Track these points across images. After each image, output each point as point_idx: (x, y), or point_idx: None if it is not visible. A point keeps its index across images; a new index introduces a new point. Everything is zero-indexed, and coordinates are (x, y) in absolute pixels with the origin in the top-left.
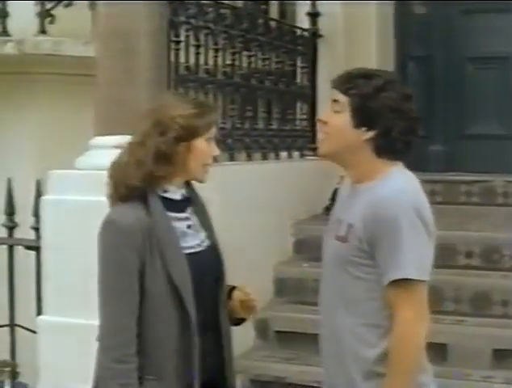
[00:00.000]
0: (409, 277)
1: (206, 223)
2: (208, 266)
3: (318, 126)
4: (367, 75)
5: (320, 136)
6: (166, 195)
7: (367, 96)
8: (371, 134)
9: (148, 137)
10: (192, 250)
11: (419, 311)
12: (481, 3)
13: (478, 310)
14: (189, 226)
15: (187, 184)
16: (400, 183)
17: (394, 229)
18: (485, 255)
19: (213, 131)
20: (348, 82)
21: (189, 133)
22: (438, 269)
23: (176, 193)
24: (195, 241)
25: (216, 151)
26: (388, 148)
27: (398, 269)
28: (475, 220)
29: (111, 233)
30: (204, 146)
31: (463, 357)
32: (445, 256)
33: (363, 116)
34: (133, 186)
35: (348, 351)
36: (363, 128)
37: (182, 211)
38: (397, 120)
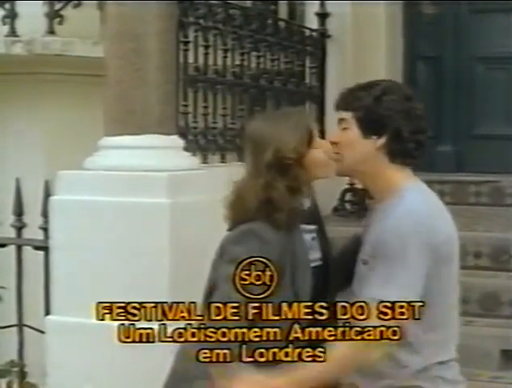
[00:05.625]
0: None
1: (325, 237)
2: (324, 283)
3: (329, 148)
4: (365, 87)
5: (333, 156)
6: None
7: (369, 105)
8: (382, 141)
9: (272, 178)
10: (314, 264)
11: None
12: (491, 3)
13: (487, 311)
14: (313, 238)
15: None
16: (410, 206)
17: (390, 253)
18: (494, 256)
19: (316, 135)
20: (348, 97)
21: (302, 159)
22: None
23: (305, 202)
24: (316, 254)
25: (325, 145)
26: (401, 150)
27: (382, 290)
28: (484, 220)
29: (251, 241)
30: (315, 154)
31: (472, 358)
32: None
33: (370, 125)
34: (283, 223)
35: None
36: (374, 137)
37: (309, 223)
38: (404, 120)
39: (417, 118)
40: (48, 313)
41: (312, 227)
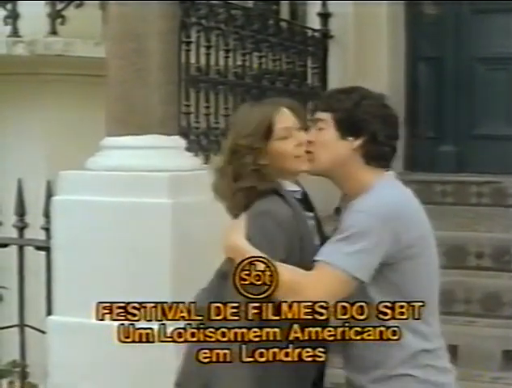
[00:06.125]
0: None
1: (320, 224)
2: None
3: (303, 142)
4: (345, 91)
5: (306, 155)
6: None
7: (349, 107)
8: (358, 142)
9: (226, 161)
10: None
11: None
12: (492, 3)
13: (488, 311)
14: (312, 225)
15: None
16: (378, 198)
17: (348, 229)
18: (496, 256)
19: (282, 128)
20: (328, 99)
21: (255, 148)
22: (448, 270)
23: (296, 190)
24: (316, 240)
25: (300, 137)
26: (377, 153)
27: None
28: (485, 221)
29: (268, 222)
30: (280, 146)
31: (474, 358)
32: (455, 257)
33: (348, 126)
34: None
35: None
36: (351, 138)
37: (305, 210)
38: (380, 125)
39: (392, 124)
40: (49, 313)
41: (311, 214)
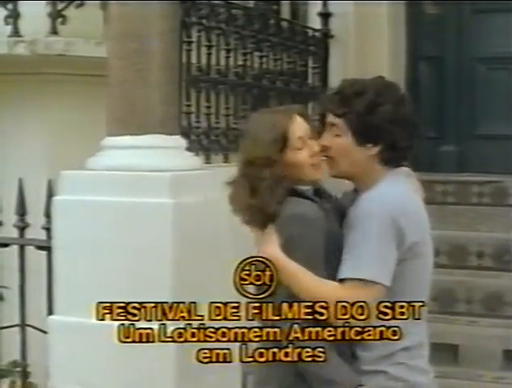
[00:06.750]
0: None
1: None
2: None
3: (316, 151)
4: (358, 92)
5: (323, 160)
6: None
7: (364, 114)
8: (377, 149)
9: (240, 175)
10: None
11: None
12: (493, 3)
13: (490, 311)
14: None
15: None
16: (381, 194)
17: (357, 233)
18: (497, 256)
19: (297, 138)
20: (341, 104)
21: (272, 163)
22: (449, 270)
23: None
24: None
25: (313, 147)
26: (396, 157)
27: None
28: (486, 220)
29: (300, 225)
30: (295, 157)
31: (475, 358)
32: (457, 257)
33: (365, 134)
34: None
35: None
36: (368, 145)
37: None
38: (399, 128)
39: (410, 123)
40: (50, 313)
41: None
